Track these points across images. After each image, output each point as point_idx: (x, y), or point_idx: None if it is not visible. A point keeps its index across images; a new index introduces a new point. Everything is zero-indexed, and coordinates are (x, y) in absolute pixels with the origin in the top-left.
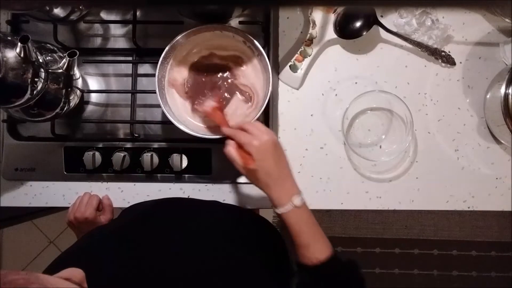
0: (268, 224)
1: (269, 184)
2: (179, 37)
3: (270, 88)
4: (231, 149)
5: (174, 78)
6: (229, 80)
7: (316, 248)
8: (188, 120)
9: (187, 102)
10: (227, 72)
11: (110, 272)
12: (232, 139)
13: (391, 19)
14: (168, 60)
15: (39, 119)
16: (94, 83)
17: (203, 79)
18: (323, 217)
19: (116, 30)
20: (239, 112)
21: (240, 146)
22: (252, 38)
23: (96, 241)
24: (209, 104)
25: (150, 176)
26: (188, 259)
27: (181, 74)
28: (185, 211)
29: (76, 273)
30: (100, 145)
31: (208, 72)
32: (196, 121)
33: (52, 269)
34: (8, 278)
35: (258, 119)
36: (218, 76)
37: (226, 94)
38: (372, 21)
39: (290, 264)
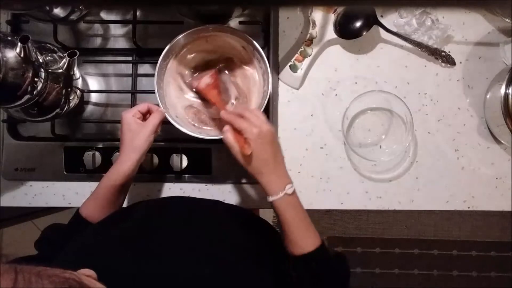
0: (268, 225)
1: (263, 172)
2: (178, 37)
3: (270, 88)
4: (229, 135)
5: (173, 78)
6: (228, 79)
7: (305, 237)
8: (187, 121)
9: (186, 102)
10: (226, 72)
11: (113, 276)
12: (230, 124)
13: (391, 19)
14: (167, 61)
15: (39, 119)
16: (94, 83)
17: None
18: (323, 217)
19: (116, 30)
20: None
21: (237, 133)
22: (251, 39)
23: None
24: (205, 81)
25: (150, 176)
26: (185, 263)
27: (180, 74)
28: (184, 212)
29: (91, 273)
30: (100, 145)
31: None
32: (194, 121)
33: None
34: (49, 272)
35: None
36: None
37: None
38: (372, 21)
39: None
